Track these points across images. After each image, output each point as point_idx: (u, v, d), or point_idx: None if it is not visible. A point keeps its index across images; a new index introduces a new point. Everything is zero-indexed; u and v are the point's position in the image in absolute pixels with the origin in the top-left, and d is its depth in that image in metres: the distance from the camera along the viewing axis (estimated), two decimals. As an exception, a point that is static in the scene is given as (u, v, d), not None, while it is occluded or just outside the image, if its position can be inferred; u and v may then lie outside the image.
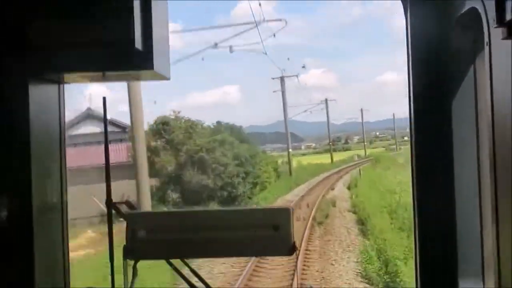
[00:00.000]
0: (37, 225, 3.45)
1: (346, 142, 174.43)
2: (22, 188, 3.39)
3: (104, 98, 3.58)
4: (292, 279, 19.31)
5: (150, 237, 3.57)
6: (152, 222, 3.68)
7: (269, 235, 3.47)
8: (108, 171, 3.64)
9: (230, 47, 49.36)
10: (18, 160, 3.40)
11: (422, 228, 3.55)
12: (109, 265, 3.61)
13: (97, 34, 3.19)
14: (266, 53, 57.98)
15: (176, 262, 3.73)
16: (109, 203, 3.61)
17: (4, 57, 3.29)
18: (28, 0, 3.27)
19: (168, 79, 3.57)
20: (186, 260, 3.85)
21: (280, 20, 55.95)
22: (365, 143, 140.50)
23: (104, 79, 3.53)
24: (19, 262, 3.41)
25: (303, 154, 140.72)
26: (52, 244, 3.69)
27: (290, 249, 3.47)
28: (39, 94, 3.51)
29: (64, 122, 3.75)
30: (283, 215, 3.50)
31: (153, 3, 3.29)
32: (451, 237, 3.42)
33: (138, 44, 3.18)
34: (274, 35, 53.60)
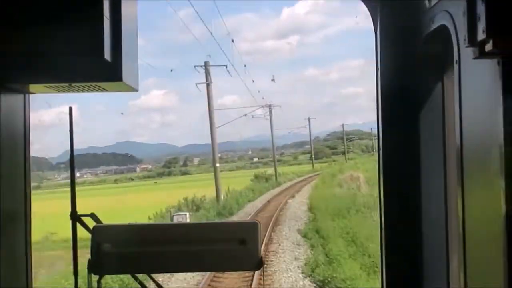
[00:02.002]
0: (1, 234, 3.37)
1: (185, 164, 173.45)
2: None
3: (70, 108, 3.52)
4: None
5: (116, 250, 3.49)
6: (118, 235, 3.59)
7: (236, 249, 3.46)
8: (73, 183, 3.56)
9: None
10: None
11: (388, 243, 3.60)
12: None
13: (64, 44, 3.13)
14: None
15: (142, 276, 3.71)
16: (74, 215, 3.53)
17: None
18: None
19: (136, 90, 3.54)
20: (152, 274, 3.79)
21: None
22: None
23: (70, 90, 3.45)
24: None
25: (131, 179, 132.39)
26: (16, 253, 3.59)
27: (257, 264, 3.46)
28: (4, 104, 3.41)
29: (29, 132, 3.67)
30: (251, 229, 3.50)
31: (123, 14, 3.27)
32: (417, 253, 3.48)
33: (107, 54, 3.14)
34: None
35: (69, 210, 3.48)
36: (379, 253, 3.69)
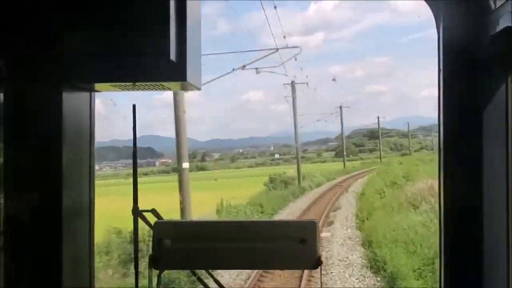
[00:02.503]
0: (65, 228, 3.47)
1: (203, 159, 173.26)
2: (53, 190, 3.43)
3: (134, 106, 3.59)
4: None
5: (176, 246, 3.54)
6: (178, 231, 3.64)
7: (295, 248, 3.49)
8: (135, 178, 3.62)
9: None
10: (50, 163, 3.43)
11: (449, 237, 3.60)
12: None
13: (130, 44, 3.21)
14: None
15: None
16: (135, 211, 3.59)
17: (40, 63, 3.31)
18: (64, 7, 3.26)
19: (199, 89, 3.59)
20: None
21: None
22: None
23: (135, 88, 3.52)
24: (46, 265, 3.43)
25: (145, 174, 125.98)
26: (79, 247, 3.67)
27: (315, 263, 3.50)
28: (71, 101, 3.51)
29: (94, 128, 3.76)
30: (310, 228, 3.53)
31: (188, 13, 3.32)
32: (478, 245, 3.48)
33: (172, 55, 3.20)
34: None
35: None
36: (438, 254, 3.70)
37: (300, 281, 22.08)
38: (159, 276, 3.62)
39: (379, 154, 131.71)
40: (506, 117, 3.46)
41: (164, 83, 3.44)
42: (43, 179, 3.43)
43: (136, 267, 3.64)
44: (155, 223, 3.61)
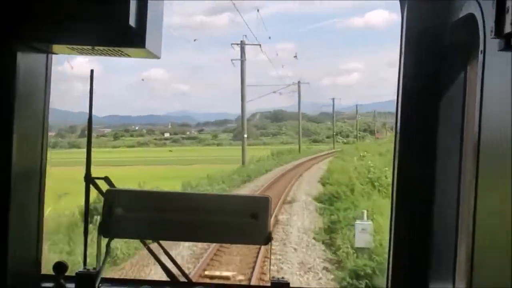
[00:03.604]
0: (14, 192, 3.36)
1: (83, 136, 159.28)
2: (2, 153, 3.31)
3: (91, 71, 3.52)
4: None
5: (127, 215, 3.51)
6: (130, 200, 3.60)
7: (246, 223, 3.48)
8: (89, 146, 3.56)
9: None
10: (0, 125, 3.31)
11: (397, 228, 3.67)
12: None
13: (90, 7, 3.14)
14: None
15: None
16: (88, 178, 3.54)
17: None
18: None
19: (159, 57, 3.54)
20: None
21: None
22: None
23: (93, 52, 3.44)
24: None
25: None
26: (28, 212, 3.57)
27: (266, 239, 3.50)
28: (26, 62, 3.41)
29: (49, 91, 3.65)
30: (262, 203, 3.53)
31: None
32: (426, 240, 3.56)
33: (132, 20, 3.16)
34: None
35: None
36: (388, 239, 3.76)
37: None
38: (107, 244, 3.57)
39: (282, 138, 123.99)
40: (463, 103, 3.55)
41: (122, 49, 3.37)
42: None
43: (85, 234, 3.59)
44: (107, 190, 3.56)
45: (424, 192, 3.59)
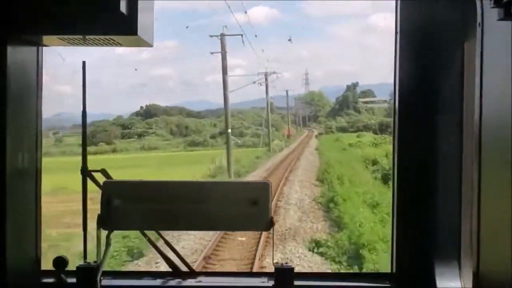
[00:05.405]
0: (10, 192, 3.31)
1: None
2: None
3: (83, 63, 3.46)
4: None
5: (126, 206, 3.45)
6: (128, 191, 3.55)
7: (247, 209, 3.44)
8: (84, 138, 3.52)
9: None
10: None
11: (400, 214, 3.64)
12: None
13: None
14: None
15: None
16: (84, 170, 3.49)
17: None
18: None
19: (151, 45, 3.48)
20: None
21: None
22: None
23: (85, 43, 3.39)
24: None
25: None
26: (24, 212, 3.51)
27: (267, 224, 3.46)
28: (17, 55, 3.34)
29: (41, 85, 3.59)
30: (263, 189, 3.48)
31: None
32: (429, 223, 3.55)
33: (123, 7, 3.11)
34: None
35: None
36: (391, 221, 3.73)
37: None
38: (107, 237, 3.51)
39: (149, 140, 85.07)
40: (461, 83, 3.51)
41: (114, 37, 3.32)
42: None
43: (84, 227, 3.55)
44: (104, 182, 3.51)
45: (426, 176, 3.55)
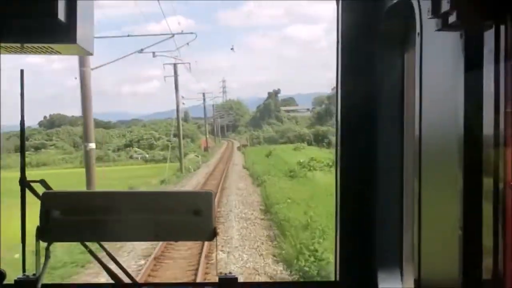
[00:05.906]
0: None
1: None
2: None
3: (21, 71, 3.39)
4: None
5: (65, 218, 3.39)
6: (68, 202, 3.49)
7: (190, 219, 3.42)
8: (23, 149, 3.44)
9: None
10: None
11: (343, 222, 3.68)
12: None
13: (17, 3, 3.02)
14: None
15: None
16: (23, 181, 3.41)
17: None
18: None
19: (91, 54, 3.46)
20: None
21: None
22: None
23: (23, 51, 3.32)
24: None
25: None
26: None
27: (210, 234, 3.44)
28: None
29: None
30: (205, 199, 3.47)
31: None
32: (371, 231, 3.57)
33: (61, 14, 3.06)
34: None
35: None
36: (334, 232, 3.77)
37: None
38: (47, 249, 3.44)
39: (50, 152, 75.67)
40: (401, 89, 3.56)
41: (53, 46, 3.27)
42: None
43: (23, 239, 3.45)
44: (43, 193, 3.44)
45: (368, 185, 3.60)
